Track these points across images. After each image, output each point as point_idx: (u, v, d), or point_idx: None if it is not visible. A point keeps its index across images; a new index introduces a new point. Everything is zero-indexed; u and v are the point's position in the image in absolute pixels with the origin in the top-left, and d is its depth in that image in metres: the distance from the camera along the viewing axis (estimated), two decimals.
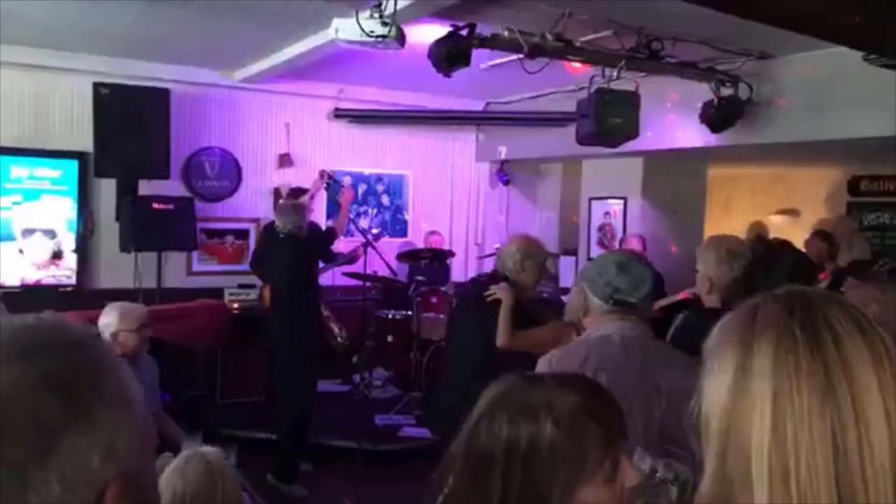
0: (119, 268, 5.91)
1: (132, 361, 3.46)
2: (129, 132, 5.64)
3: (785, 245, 3.60)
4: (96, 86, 5.61)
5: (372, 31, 3.46)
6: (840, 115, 4.57)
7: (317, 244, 5.06)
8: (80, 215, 5.98)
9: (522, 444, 1.10)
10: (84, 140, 5.75)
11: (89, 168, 5.88)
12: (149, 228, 5.77)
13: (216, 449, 1.88)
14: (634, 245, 5.69)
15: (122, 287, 5.80)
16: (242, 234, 6.77)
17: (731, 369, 0.85)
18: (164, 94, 5.87)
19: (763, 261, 2.47)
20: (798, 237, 7.14)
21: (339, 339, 5.10)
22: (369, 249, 5.98)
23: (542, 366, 1.89)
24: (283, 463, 4.72)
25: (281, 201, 6.03)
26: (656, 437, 1.76)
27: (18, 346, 0.66)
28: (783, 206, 8.51)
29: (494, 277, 3.38)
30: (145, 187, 5.99)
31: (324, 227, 5.69)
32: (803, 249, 5.79)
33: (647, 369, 1.84)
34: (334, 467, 5.10)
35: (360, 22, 3.46)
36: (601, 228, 7.07)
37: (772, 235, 7.89)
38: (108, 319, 3.44)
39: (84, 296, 5.81)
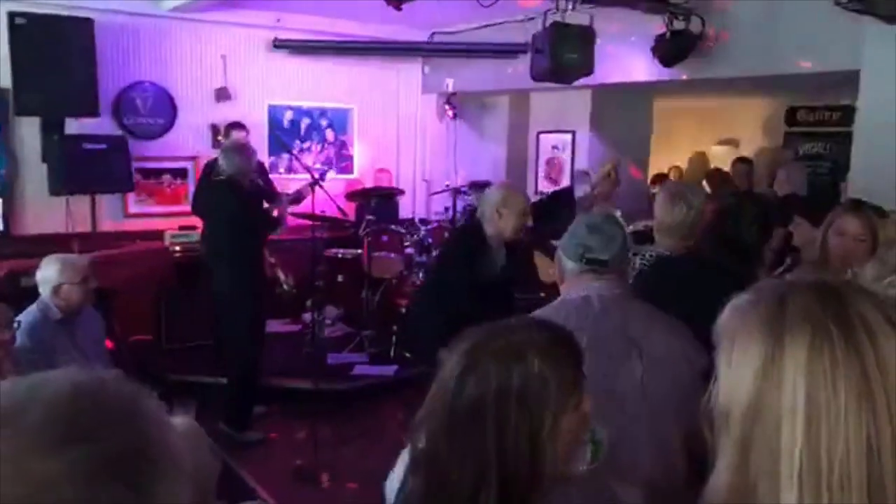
0: (49, 212, 5.60)
1: (75, 315, 3.32)
2: (51, 66, 5.23)
3: (750, 195, 3.68)
4: (11, 15, 5.14)
5: None
6: (789, 50, 4.59)
7: (251, 208, 4.67)
8: (2, 156, 5.59)
9: (515, 384, 1.14)
10: (1, 75, 5.30)
11: (8, 105, 5.46)
12: (80, 169, 5.44)
13: (185, 419, 1.80)
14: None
15: (54, 232, 5.52)
16: (181, 174, 6.47)
17: (759, 359, 0.81)
18: (87, 24, 5.43)
19: (733, 211, 2.48)
20: None
21: (285, 286, 4.97)
22: (316, 187, 5.80)
23: None
24: (234, 410, 4.66)
25: (225, 140, 5.76)
26: (640, 397, 1.77)
27: (66, 423, 0.57)
28: (723, 136, 8.67)
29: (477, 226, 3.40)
30: (73, 126, 5.61)
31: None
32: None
33: (627, 330, 1.84)
34: (288, 408, 5.09)
35: None
36: (549, 162, 7.07)
37: (713, 165, 8.08)
38: (49, 272, 3.26)
39: (12, 243, 5.50)
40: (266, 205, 5.17)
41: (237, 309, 4.56)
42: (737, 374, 0.83)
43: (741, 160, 6.51)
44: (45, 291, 3.27)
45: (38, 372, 2.12)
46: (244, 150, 4.69)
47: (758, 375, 0.81)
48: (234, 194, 4.47)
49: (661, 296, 1.99)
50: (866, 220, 2.53)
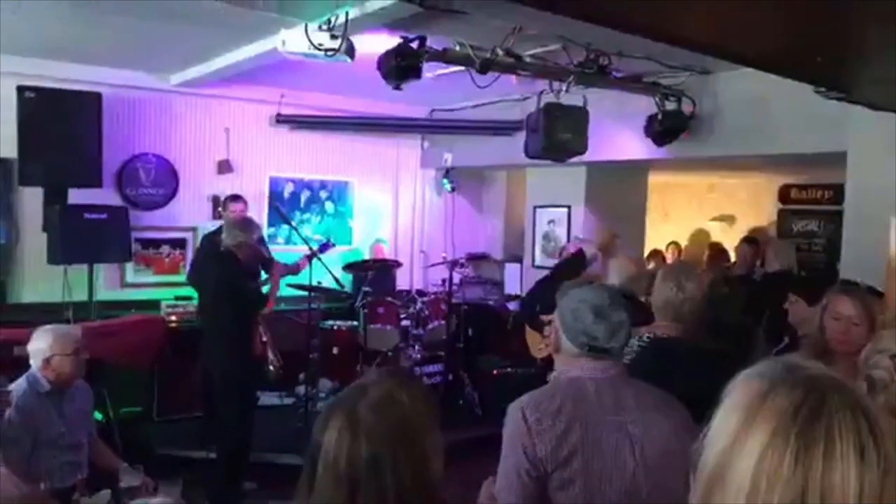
0: (46, 280, 5.60)
1: (65, 387, 3.28)
2: (57, 138, 5.35)
3: (738, 280, 3.70)
4: (21, 89, 5.30)
5: (321, 45, 3.36)
6: (776, 131, 4.72)
7: (241, 282, 4.64)
8: (2, 226, 5.64)
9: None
10: (7, 147, 5.41)
11: (13, 176, 5.55)
12: (80, 239, 5.48)
13: (165, 501, 1.76)
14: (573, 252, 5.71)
15: (50, 301, 5.51)
16: (179, 244, 6.52)
17: (730, 436, 0.86)
18: (95, 97, 5.59)
19: (728, 299, 2.49)
20: (734, 243, 7.39)
21: (272, 367, 4.87)
22: (314, 259, 5.84)
23: (513, 413, 1.83)
24: (221, 486, 4.54)
25: (224, 212, 5.83)
26: (632, 495, 1.75)
27: None
28: (719, 212, 8.78)
29: None
30: (76, 196, 5.69)
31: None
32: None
33: (620, 418, 1.81)
34: (279, 484, 4.95)
35: (309, 35, 3.36)
36: (546, 236, 7.12)
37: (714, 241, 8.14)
38: (41, 344, 3.23)
39: (8, 311, 5.50)
40: (263, 275, 5.18)
41: (227, 381, 4.50)
42: (714, 436, 0.88)
43: (746, 240, 6.30)
44: (35, 363, 3.24)
45: (22, 447, 2.09)
46: (247, 224, 4.72)
47: (726, 447, 0.85)
48: (228, 267, 4.49)
49: (654, 378, 1.97)
50: (860, 304, 2.53)
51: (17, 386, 3.18)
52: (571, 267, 3.51)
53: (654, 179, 7.48)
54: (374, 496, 1.23)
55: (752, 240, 6.36)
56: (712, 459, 0.86)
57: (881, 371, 1.89)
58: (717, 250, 7.38)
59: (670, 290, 2.50)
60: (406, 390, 1.33)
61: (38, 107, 5.32)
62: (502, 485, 1.81)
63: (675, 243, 8.40)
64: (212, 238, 5.86)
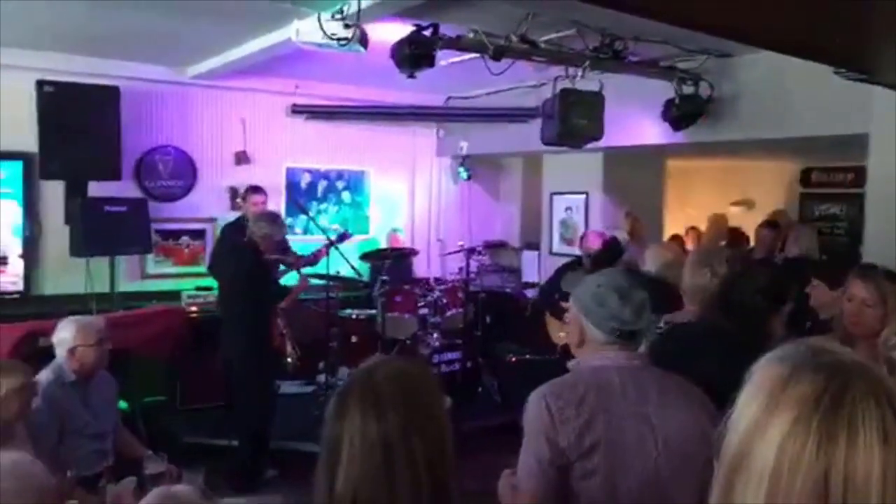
0: (69, 273, 5.69)
1: (89, 377, 3.34)
2: (76, 132, 5.41)
3: (760, 263, 3.65)
4: (40, 83, 5.36)
5: (334, 34, 3.37)
6: (796, 114, 4.64)
7: (263, 273, 4.71)
8: (25, 219, 5.73)
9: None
10: (28, 140, 5.48)
11: (34, 169, 5.63)
12: (101, 231, 5.56)
13: (187, 488, 1.79)
14: (594, 242, 5.69)
15: (73, 292, 5.60)
16: (199, 235, 6.58)
17: (753, 419, 0.86)
18: (113, 91, 5.64)
19: (740, 278, 2.47)
20: (754, 227, 7.31)
21: (289, 359, 4.90)
22: (331, 249, 5.87)
23: (535, 402, 1.81)
24: (242, 473, 4.60)
25: (244, 203, 5.89)
26: (654, 482, 1.74)
27: None
28: (739, 197, 8.68)
29: None
30: (96, 189, 5.76)
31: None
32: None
33: (643, 408, 1.80)
34: (300, 472, 5.00)
35: (322, 24, 3.36)
36: (563, 223, 7.10)
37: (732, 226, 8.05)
38: (65, 334, 3.29)
39: (32, 303, 5.59)
40: (282, 266, 5.22)
41: (246, 371, 4.56)
42: (737, 420, 0.88)
43: (766, 224, 6.13)
44: (60, 353, 3.30)
45: (49, 436, 2.14)
46: (275, 219, 4.78)
47: (748, 432, 0.85)
48: (249, 258, 4.54)
49: (672, 362, 1.97)
50: (875, 286, 2.50)
51: (43, 376, 3.23)
52: (609, 256, 3.49)
53: (673, 164, 7.42)
54: (406, 463, 1.27)
55: (773, 223, 6.18)
56: (735, 444, 0.86)
57: None
58: (736, 234, 7.30)
59: (703, 275, 2.49)
60: (411, 363, 1.45)
61: (58, 101, 5.39)
62: (523, 473, 1.80)
63: (695, 228, 8.32)
64: (233, 229, 5.94)
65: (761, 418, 0.84)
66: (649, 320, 1.89)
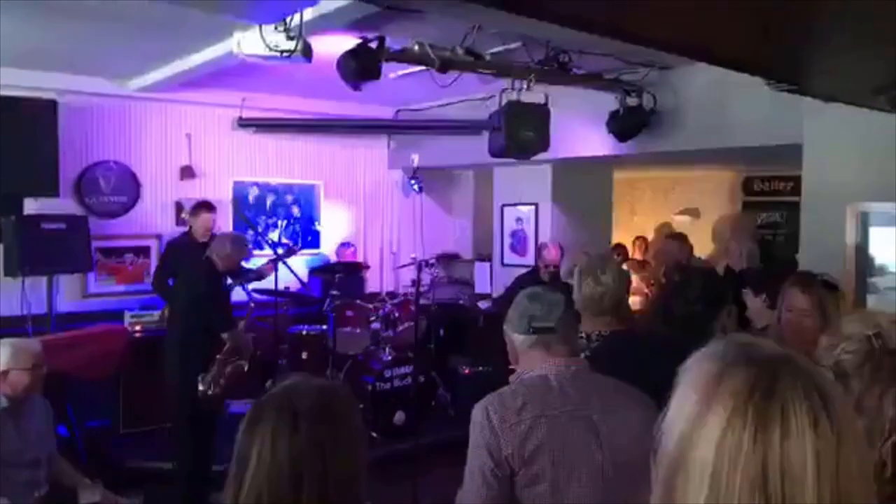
0: (3, 294, 5.46)
1: (22, 403, 3.19)
2: (10, 147, 5.21)
3: (696, 270, 3.71)
4: None
5: (276, 45, 3.32)
6: (734, 124, 4.78)
7: (218, 291, 4.56)
8: None
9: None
10: None
11: None
12: (38, 250, 5.35)
13: None
14: (553, 253, 5.74)
15: (8, 315, 5.38)
16: (143, 252, 6.40)
17: (689, 420, 0.86)
18: (49, 105, 5.47)
19: (679, 287, 2.50)
20: (699, 236, 7.48)
21: (200, 385, 4.49)
22: (280, 264, 5.78)
23: (478, 413, 1.82)
24: (184, 498, 4.44)
25: (190, 218, 5.77)
26: (600, 485, 1.75)
27: None
28: (684, 206, 8.88)
29: None
30: (32, 205, 5.56)
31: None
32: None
33: (585, 411, 1.81)
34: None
35: (264, 35, 3.32)
36: (514, 234, 7.14)
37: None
38: None
39: None
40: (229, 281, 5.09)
41: (180, 393, 4.42)
42: (672, 421, 0.88)
43: (672, 237, 6.18)
44: None
45: None
46: (240, 241, 4.68)
47: (685, 431, 0.85)
48: (206, 277, 4.44)
49: (613, 373, 1.98)
50: (812, 296, 2.55)
51: None
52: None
53: (620, 175, 7.55)
54: (315, 481, 1.24)
55: (679, 235, 6.20)
56: (672, 444, 0.87)
57: (850, 356, 1.91)
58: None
59: (588, 285, 2.46)
60: (330, 382, 1.44)
61: None
62: (467, 486, 1.80)
63: (642, 238, 8.48)
64: (179, 245, 5.79)
65: (697, 416, 0.85)
66: (567, 319, 1.92)
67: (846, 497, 0.80)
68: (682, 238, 5.95)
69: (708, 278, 2.64)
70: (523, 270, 6.21)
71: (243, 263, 5.58)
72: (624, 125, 5.06)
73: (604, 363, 2.04)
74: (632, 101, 5.09)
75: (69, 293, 5.98)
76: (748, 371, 0.85)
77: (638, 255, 8.16)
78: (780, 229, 8.13)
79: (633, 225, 8.78)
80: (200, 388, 4.27)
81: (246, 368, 4.58)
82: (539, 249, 5.94)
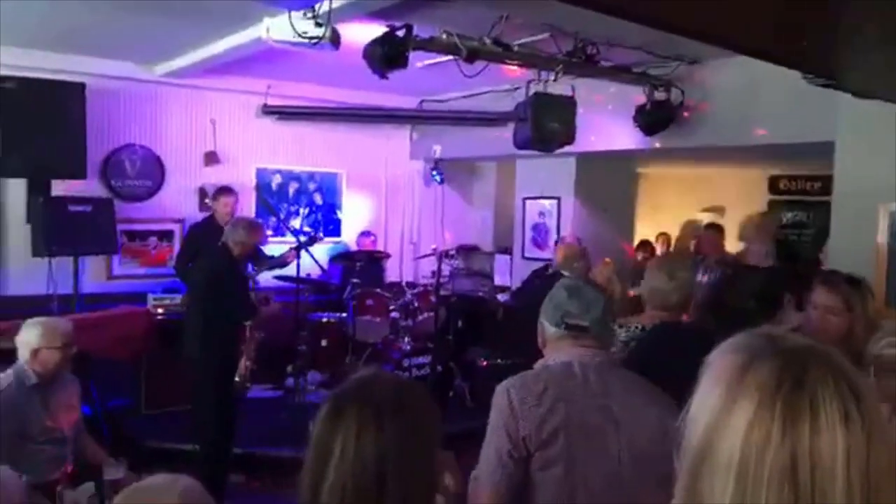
0: (31, 273, 5.55)
1: (51, 380, 3.24)
2: (39, 129, 5.29)
3: (752, 269, 3.69)
4: (2, 79, 5.22)
5: (305, 32, 3.32)
6: (766, 120, 4.71)
7: (234, 277, 4.54)
8: None
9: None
10: None
11: None
12: (64, 231, 5.43)
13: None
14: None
15: (35, 294, 5.46)
16: (167, 236, 6.47)
17: (714, 412, 0.85)
18: (78, 88, 5.52)
19: (731, 281, 2.50)
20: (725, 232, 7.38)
21: (237, 377, 4.64)
22: (302, 251, 5.81)
23: (499, 394, 1.83)
24: (204, 479, 4.48)
25: (213, 203, 5.80)
26: (615, 474, 1.74)
27: None
28: (709, 203, 8.79)
29: None
30: (60, 187, 5.63)
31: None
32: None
33: (605, 401, 1.82)
34: (268, 476, 4.94)
35: (293, 22, 3.32)
36: (535, 228, 7.11)
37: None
38: (29, 336, 3.19)
39: None
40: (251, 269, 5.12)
41: (204, 375, 4.45)
42: (697, 414, 0.87)
43: (710, 227, 6.27)
44: (23, 355, 3.20)
45: (9, 439, 2.05)
46: (255, 226, 4.64)
47: (710, 424, 0.85)
48: (222, 262, 4.46)
49: (657, 365, 1.98)
50: (839, 293, 2.52)
51: (3, 378, 3.14)
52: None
53: (645, 170, 7.49)
54: (398, 479, 1.24)
55: (716, 225, 6.32)
56: (697, 437, 0.86)
57: (893, 351, 1.91)
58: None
59: (660, 279, 2.52)
60: (408, 380, 1.41)
61: (20, 97, 5.25)
62: (483, 464, 1.82)
63: (665, 234, 8.41)
64: (201, 229, 5.84)
65: (723, 408, 0.84)
66: (603, 320, 1.91)
67: (876, 490, 0.79)
68: (720, 229, 5.95)
69: (764, 277, 2.64)
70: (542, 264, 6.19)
71: (263, 249, 5.63)
72: (651, 119, 5.01)
73: (649, 354, 2.05)
74: (659, 95, 5.04)
75: (94, 274, 6.06)
76: (775, 363, 0.84)
77: (660, 251, 8.10)
78: (805, 229, 8.02)
79: (655, 221, 8.70)
80: (237, 378, 4.33)
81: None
82: (556, 244, 5.90)
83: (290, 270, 5.68)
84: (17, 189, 5.62)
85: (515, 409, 1.78)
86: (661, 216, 8.90)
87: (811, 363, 0.83)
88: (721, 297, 2.46)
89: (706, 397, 0.87)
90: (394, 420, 1.26)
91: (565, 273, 4.20)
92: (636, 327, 2.52)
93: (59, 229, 5.40)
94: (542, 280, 4.92)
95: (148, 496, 1.48)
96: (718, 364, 0.88)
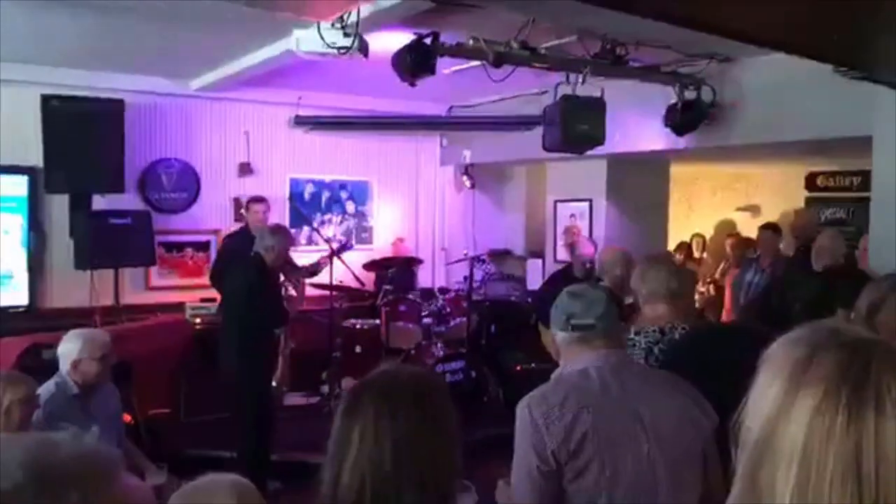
0: (74, 286, 5.70)
1: (92, 390, 3.33)
2: (81, 145, 5.44)
3: (811, 274, 3.60)
4: (45, 98, 5.39)
5: (334, 43, 3.37)
6: (799, 116, 4.62)
7: (268, 285, 4.62)
8: (30, 232, 5.75)
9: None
10: (34, 155, 5.50)
11: (39, 184, 5.65)
12: (105, 244, 5.57)
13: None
14: (588, 248, 5.64)
15: (78, 305, 5.60)
16: (203, 247, 6.59)
17: (776, 402, 0.85)
18: (117, 104, 5.68)
19: (784, 286, 2.46)
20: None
21: (273, 382, 4.72)
22: (335, 259, 5.87)
23: (520, 412, 1.83)
24: None
25: (247, 213, 5.90)
26: (650, 472, 1.73)
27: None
28: (744, 203, 8.65)
29: None
30: (100, 202, 5.78)
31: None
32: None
33: (627, 402, 1.81)
34: (304, 483, 4.97)
35: (322, 33, 3.37)
36: (566, 230, 7.07)
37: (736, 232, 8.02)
38: (70, 347, 3.28)
39: (37, 316, 5.60)
40: (284, 279, 5.19)
41: (243, 383, 4.52)
42: (757, 404, 0.88)
43: (767, 227, 6.08)
44: (64, 366, 3.29)
45: None
46: (281, 231, 4.70)
47: (772, 415, 0.85)
48: (255, 271, 4.52)
49: (706, 369, 1.97)
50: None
51: (45, 389, 3.22)
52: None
53: (678, 171, 7.39)
54: (415, 462, 1.28)
55: (772, 226, 6.15)
56: (758, 429, 0.86)
57: None
58: (740, 239, 7.26)
59: (653, 274, 2.56)
60: (424, 370, 1.44)
61: (63, 115, 5.42)
62: (516, 483, 1.82)
63: (700, 235, 8.29)
64: (236, 239, 5.94)
65: (786, 399, 0.84)
66: (608, 316, 1.91)
67: None
68: (776, 230, 5.83)
69: (817, 287, 2.59)
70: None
71: (293, 258, 5.70)
72: (682, 119, 4.96)
73: (690, 359, 2.04)
74: (690, 94, 4.98)
75: (133, 286, 6.20)
76: (839, 354, 0.84)
77: (696, 253, 7.99)
78: (845, 226, 7.83)
79: (689, 222, 8.58)
80: (274, 384, 4.40)
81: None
82: (573, 245, 5.84)
83: (323, 278, 5.75)
84: (60, 204, 5.79)
85: (539, 426, 1.77)
86: (695, 217, 8.78)
87: (876, 355, 0.83)
88: (769, 299, 2.43)
89: (767, 389, 0.87)
90: (411, 409, 1.30)
91: (602, 279, 4.15)
92: (654, 330, 2.49)
93: (100, 243, 5.54)
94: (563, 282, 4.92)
95: (205, 496, 1.52)
96: (780, 356, 0.88)
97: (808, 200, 8.30)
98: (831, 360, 0.83)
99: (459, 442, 1.38)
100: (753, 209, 8.59)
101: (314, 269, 5.52)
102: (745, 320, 2.55)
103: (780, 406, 0.84)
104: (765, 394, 0.87)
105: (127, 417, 4.20)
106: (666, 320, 2.49)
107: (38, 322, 5.30)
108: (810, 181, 8.32)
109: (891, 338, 0.92)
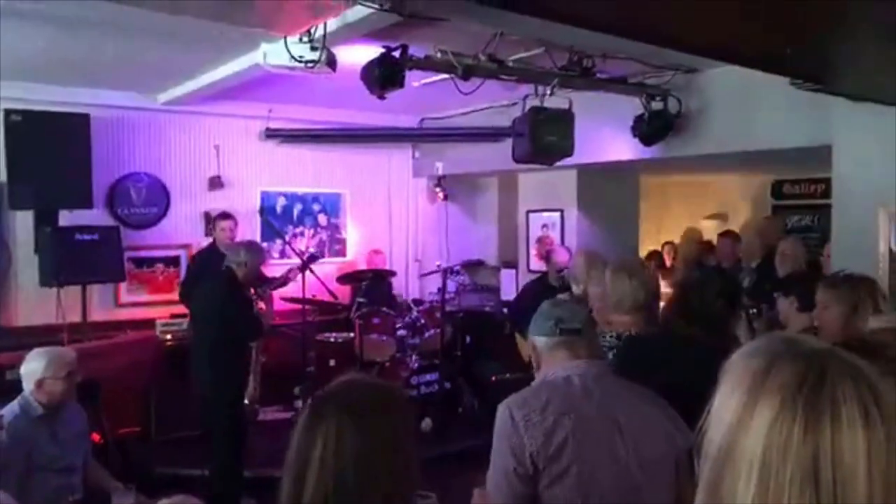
0: (40, 303, 5.60)
1: (57, 410, 3.26)
2: (45, 160, 5.36)
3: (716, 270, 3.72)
4: (7, 112, 5.31)
5: (301, 57, 3.37)
6: (764, 126, 4.72)
7: (240, 304, 4.59)
8: None
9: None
10: None
11: (3, 199, 5.55)
12: (72, 260, 5.48)
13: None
14: (563, 257, 5.68)
15: (45, 323, 5.50)
16: (173, 262, 6.51)
17: (736, 412, 0.86)
18: (83, 119, 5.60)
19: (695, 284, 2.53)
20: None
21: (246, 399, 4.70)
22: (307, 271, 5.83)
23: (500, 414, 1.83)
24: (216, 502, 4.50)
25: (222, 231, 5.85)
26: (625, 481, 1.75)
27: None
28: (712, 211, 8.78)
29: None
30: (67, 217, 5.69)
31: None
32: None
33: (607, 409, 1.82)
34: (278, 499, 4.92)
35: (289, 47, 3.36)
36: (540, 240, 7.12)
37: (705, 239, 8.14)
38: (33, 366, 3.22)
39: (1, 335, 5.48)
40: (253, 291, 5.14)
41: (215, 400, 4.48)
42: (718, 416, 0.89)
43: (726, 234, 6.45)
44: (27, 386, 3.23)
45: (15, 470, 2.07)
46: (254, 249, 4.71)
47: (732, 426, 0.86)
48: (226, 287, 4.49)
49: (637, 373, 1.98)
50: (829, 289, 2.58)
51: (9, 410, 3.16)
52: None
53: (647, 180, 7.49)
54: (381, 475, 1.27)
55: (731, 233, 6.49)
56: (719, 440, 0.87)
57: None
58: (707, 247, 7.42)
59: (623, 282, 2.58)
60: (382, 381, 1.50)
61: (26, 130, 5.34)
62: (491, 486, 1.82)
63: (671, 243, 8.39)
64: (205, 255, 5.88)
65: (745, 410, 0.85)
66: (591, 323, 1.96)
67: None
68: (735, 236, 6.21)
69: (725, 276, 2.66)
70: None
71: (266, 272, 5.66)
72: (649, 129, 5.03)
73: (624, 364, 2.06)
74: (656, 104, 5.06)
75: (102, 302, 6.10)
76: (795, 364, 0.85)
77: (667, 261, 8.08)
78: (811, 233, 7.98)
79: (660, 231, 8.69)
80: (246, 401, 4.36)
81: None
82: (548, 254, 5.89)
83: (296, 291, 5.71)
84: (24, 220, 5.69)
85: (519, 427, 1.77)
86: (666, 225, 8.89)
87: (831, 364, 0.85)
88: (688, 300, 2.50)
89: (727, 400, 0.88)
90: (372, 421, 1.29)
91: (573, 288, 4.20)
92: (611, 335, 2.55)
93: (66, 259, 5.45)
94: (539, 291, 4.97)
95: None
96: (738, 368, 0.90)
97: (775, 208, 8.45)
98: (788, 371, 0.85)
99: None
100: (722, 217, 8.72)
101: (283, 280, 5.48)
102: (671, 324, 2.59)
103: (739, 417, 0.85)
104: (725, 404, 0.88)
105: (96, 437, 4.13)
106: (626, 327, 2.54)
107: (2, 341, 5.19)
108: (776, 189, 8.47)
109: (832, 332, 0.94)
